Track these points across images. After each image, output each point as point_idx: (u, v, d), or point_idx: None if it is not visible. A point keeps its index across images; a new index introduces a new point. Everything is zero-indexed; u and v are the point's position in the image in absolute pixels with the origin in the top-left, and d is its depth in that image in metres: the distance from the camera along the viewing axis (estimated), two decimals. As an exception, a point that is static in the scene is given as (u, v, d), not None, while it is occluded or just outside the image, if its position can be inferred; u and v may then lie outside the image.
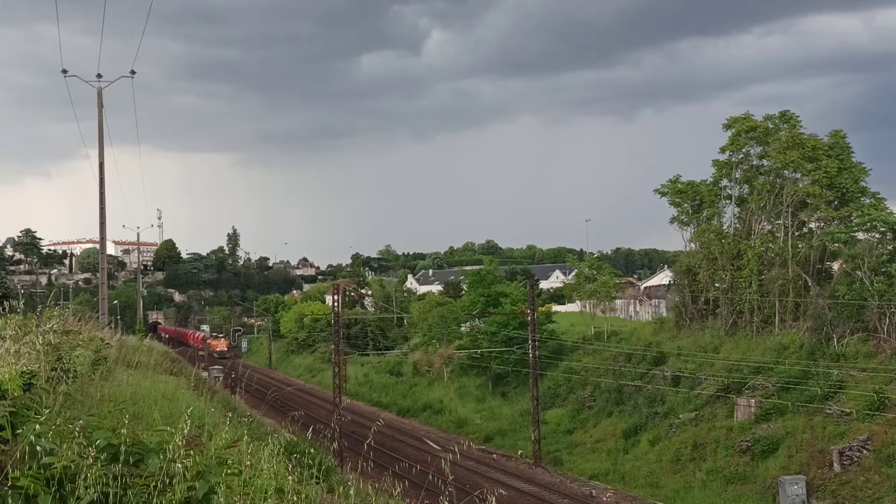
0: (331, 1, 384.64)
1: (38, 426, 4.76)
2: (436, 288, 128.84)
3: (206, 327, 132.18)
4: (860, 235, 42.10)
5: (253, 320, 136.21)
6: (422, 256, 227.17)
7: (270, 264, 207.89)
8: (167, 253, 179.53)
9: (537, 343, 45.66)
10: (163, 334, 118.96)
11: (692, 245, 54.27)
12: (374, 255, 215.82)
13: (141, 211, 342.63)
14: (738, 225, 51.53)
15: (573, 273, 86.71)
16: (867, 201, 46.30)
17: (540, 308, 56.81)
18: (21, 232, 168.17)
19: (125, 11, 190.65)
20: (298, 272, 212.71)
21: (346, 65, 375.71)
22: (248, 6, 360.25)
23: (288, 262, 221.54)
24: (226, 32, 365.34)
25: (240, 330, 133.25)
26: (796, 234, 48.16)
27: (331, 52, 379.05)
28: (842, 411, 33.94)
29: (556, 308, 79.95)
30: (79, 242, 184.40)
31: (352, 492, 6.87)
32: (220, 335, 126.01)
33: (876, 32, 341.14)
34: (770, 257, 47.54)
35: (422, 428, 55.60)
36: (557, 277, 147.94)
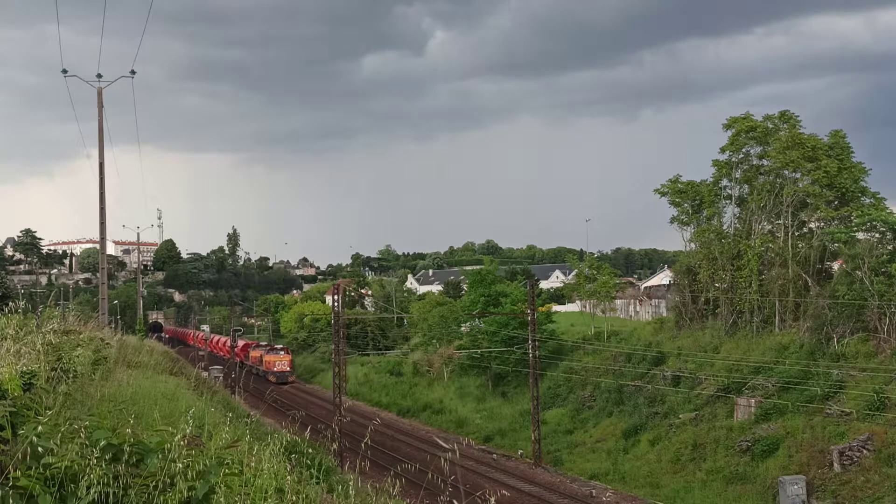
0: (334, 2, 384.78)
1: (38, 426, 4.76)
2: (436, 288, 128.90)
3: (206, 327, 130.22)
4: (860, 235, 42.07)
5: (253, 320, 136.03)
6: (422, 256, 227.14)
7: (270, 264, 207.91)
8: (167, 253, 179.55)
9: (537, 343, 45.63)
10: (164, 334, 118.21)
11: (692, 245, 54.25)
12: (374, 255, 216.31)
13: (141, 211, 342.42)
14: (738, 225, 51.50)
15: (573, 273, 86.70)
16: (867, 201, 46.30)
17: (540, 308, 56.76)
18: (21, 232, 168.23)
19: (130, 11, 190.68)
20: (298, 272, 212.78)
21: (348, 65, 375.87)
22: (251, 6, 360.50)
23: (288, 262, 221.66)
24: (229, 33, 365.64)
25: (240, 330, 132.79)
26: (796, 234, 48.13)
27: (333, 52, 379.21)
28: (842, 411, 33.93)
29: (556, 308, 79.98)
30: (79, 242, 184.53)
31: (351, 492, 6.87)
32: (279, 347, 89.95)
33: (877, 33, 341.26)
34: (770, 257, 47.52)
35: (422, 427, 55.59)
36: (557, 277, 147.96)
